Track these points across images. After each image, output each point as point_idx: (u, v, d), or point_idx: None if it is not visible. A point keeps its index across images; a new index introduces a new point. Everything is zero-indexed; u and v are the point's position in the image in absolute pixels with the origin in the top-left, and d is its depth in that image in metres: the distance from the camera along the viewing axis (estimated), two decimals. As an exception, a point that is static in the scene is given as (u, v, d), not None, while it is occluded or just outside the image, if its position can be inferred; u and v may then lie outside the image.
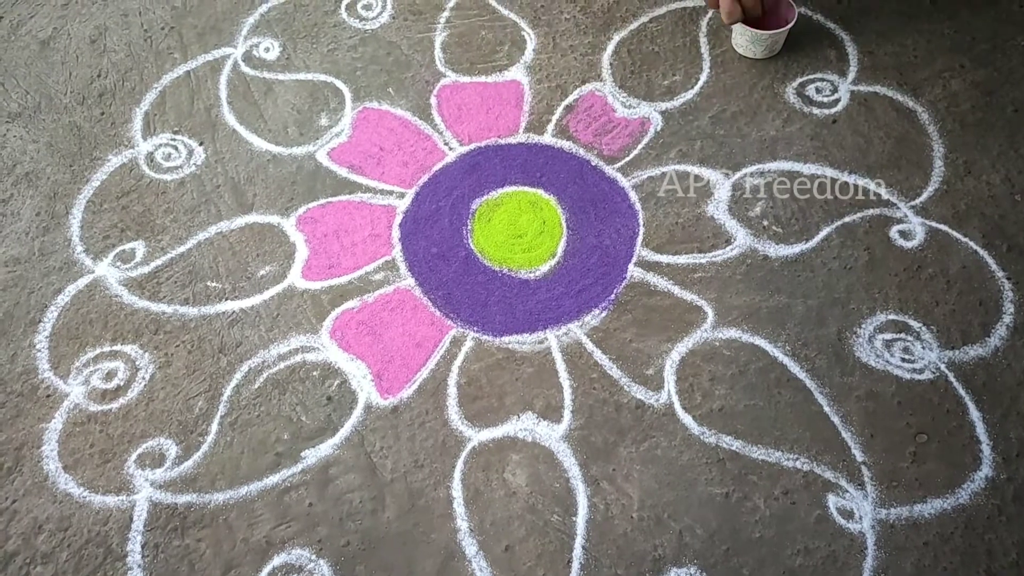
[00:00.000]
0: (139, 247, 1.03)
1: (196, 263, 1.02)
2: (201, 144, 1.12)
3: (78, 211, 1.07)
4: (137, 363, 0.94)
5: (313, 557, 0.81)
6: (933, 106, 1.08)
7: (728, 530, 0.81)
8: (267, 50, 1.22)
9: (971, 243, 0.97)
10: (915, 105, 1.09)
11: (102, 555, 0.82)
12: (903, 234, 0.98)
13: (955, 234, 0.97)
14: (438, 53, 1.20)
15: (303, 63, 1.20)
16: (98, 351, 0.95)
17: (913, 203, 1.00)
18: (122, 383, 0.93)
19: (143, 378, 0.93)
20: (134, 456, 0.88)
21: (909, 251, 0.97)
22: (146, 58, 1.22)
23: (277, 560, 0.81)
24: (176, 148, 1.12)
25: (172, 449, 0.88)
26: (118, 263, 1.02)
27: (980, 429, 0.85)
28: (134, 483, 0.86)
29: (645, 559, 0.80)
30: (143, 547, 0.83)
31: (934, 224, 0.98)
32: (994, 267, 0.95)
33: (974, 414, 0.85)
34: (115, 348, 0.95)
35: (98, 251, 1.03)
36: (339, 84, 1.17)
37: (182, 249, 1.03)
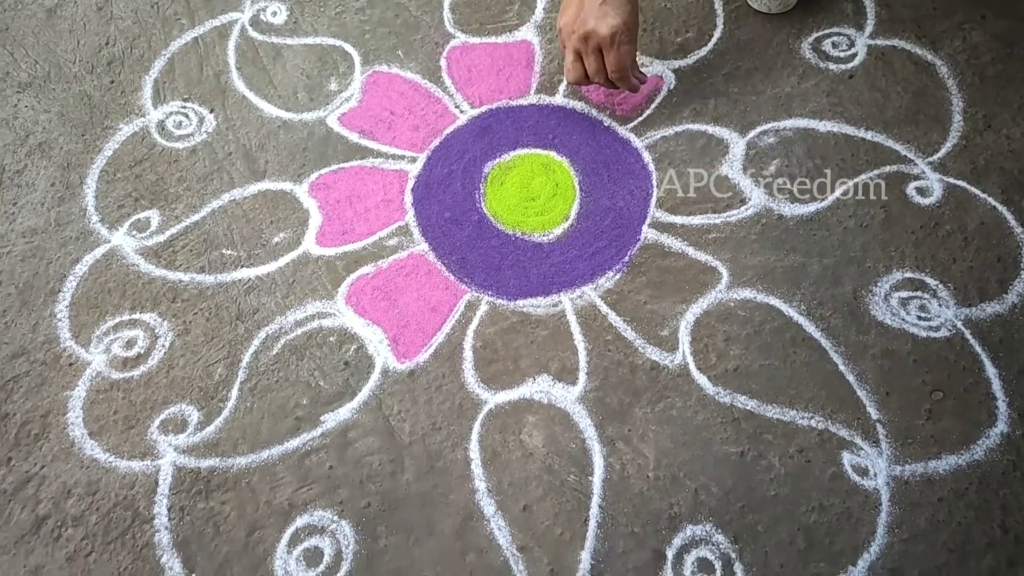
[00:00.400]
0: (154, 216, 1.04)
1: (211, 231, 1.02)
2: (211, 111, 1.12)
3: (92, 181, 1.07)
4: (156, 331, 0.95)
5: (335, 518, 0.83)
6: (952, 59, 1.06)
7: (743, 488, 0.81)
8: (274, 14, 1.20)
9: (990, 199, 0.95)
10: (934, 58, 1.06)
11: (130, 518, 0.84)
12: (920, 191, 0.97)
13: (973, 190, 0.96)
14: (447, 14, 1.18)
15: (311, 27, 1.19)
16: (118, 319, 0.96)
17: (931, 159, 0.99)
18: (142, 351, 0.94)
19: (163, 346, 0.94)
20: (157, 422, 0.90)
21: (926, 208, 0.96)
22: (153, 24, 1.21)
23: (300, 521, 0.83)
24: (187, 116, 1.12)
25: (194, 415, 0.90)
26: (134, 232, 1.03)
27: (996, 386, 0.85)
28: (158, 448, 0.88)
29: (661, 517, 0.81)
30: (169, 510, 0.85)
31: (952, 180, 0.97)
32: (1013, 223, 0.94)
33: (990, 371, 0.85)
34: (134, 316, 0.96)
35: (113, 220, 1.04)
36: (348, 48, 1.16)
37: (196, 217, 1.03)
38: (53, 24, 1.22)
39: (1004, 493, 0.79)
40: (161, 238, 1.02)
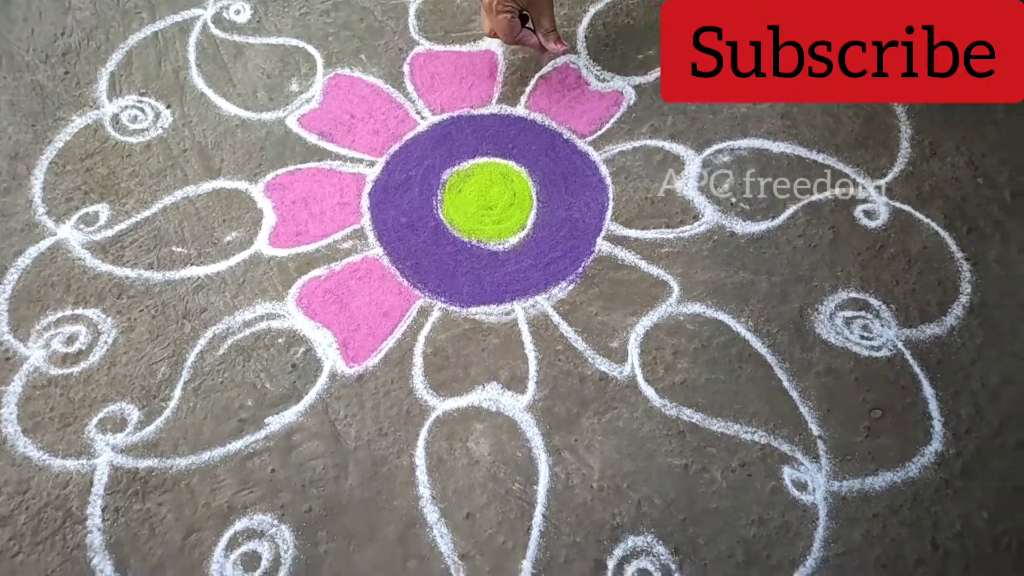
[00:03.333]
0: (103, 210, 1.02)
1: (161, 227, 1.00)
2: (168, 107, 1.10)
3: (40, 172, 1.05)
4: (99, 327, 0.93)
5: (275, 522, 0.82)
6: (902, 88, 1.09)
7: (685, 500, 0.82)
8: (237, 12, 1.19)
9: (933, 224, 0.98)
10: (885, 86, 1.09)
11: (61, 518, 0.82)
12: (867, 214, 0.99)
13: (918, 215, 0.99)
14: (412, 20, 1.18)
15: (274, 26, 1.18)
16: (60, 315, 0.94)
17: (878, 183, 1.02)
18: (84, 347, 0.92)
19: (105, 342, 0.92)
20: (95, 420, 0.87)
21: (873, 231, 0.98)
22: (112, 17, 1.19)
23: (239, 525, 0.82)
24: (143, 110, 1.10)
25: (134, 414, 0.88)
26: (81, 226, 1.00)
27: (933, 405, 0.87)
28: (95, 447, 0.86)
29: (604, 527, 0.81)
30: (103, 510, 0.82)
31: (898, 204, 1.00)
32: (954, 248, 0.96)
33: (927, 391, 0.87)
34: (77, 312, 0.94)
35: (61, 213, 1.01)
36: (310, 49, 1.16)
37: (147, 213, 1.02)
38: (7, 11, 1.20)
39: (935, 510, 0.81)
40: (110, 233, 1.00)
